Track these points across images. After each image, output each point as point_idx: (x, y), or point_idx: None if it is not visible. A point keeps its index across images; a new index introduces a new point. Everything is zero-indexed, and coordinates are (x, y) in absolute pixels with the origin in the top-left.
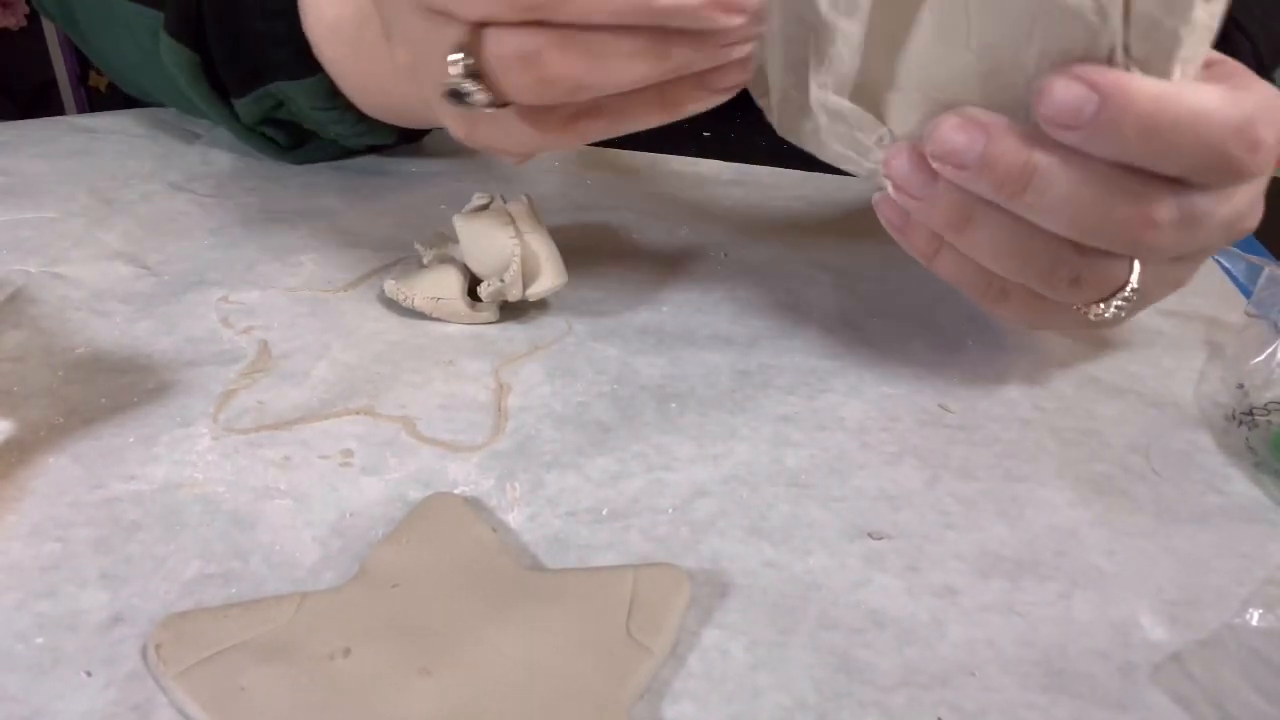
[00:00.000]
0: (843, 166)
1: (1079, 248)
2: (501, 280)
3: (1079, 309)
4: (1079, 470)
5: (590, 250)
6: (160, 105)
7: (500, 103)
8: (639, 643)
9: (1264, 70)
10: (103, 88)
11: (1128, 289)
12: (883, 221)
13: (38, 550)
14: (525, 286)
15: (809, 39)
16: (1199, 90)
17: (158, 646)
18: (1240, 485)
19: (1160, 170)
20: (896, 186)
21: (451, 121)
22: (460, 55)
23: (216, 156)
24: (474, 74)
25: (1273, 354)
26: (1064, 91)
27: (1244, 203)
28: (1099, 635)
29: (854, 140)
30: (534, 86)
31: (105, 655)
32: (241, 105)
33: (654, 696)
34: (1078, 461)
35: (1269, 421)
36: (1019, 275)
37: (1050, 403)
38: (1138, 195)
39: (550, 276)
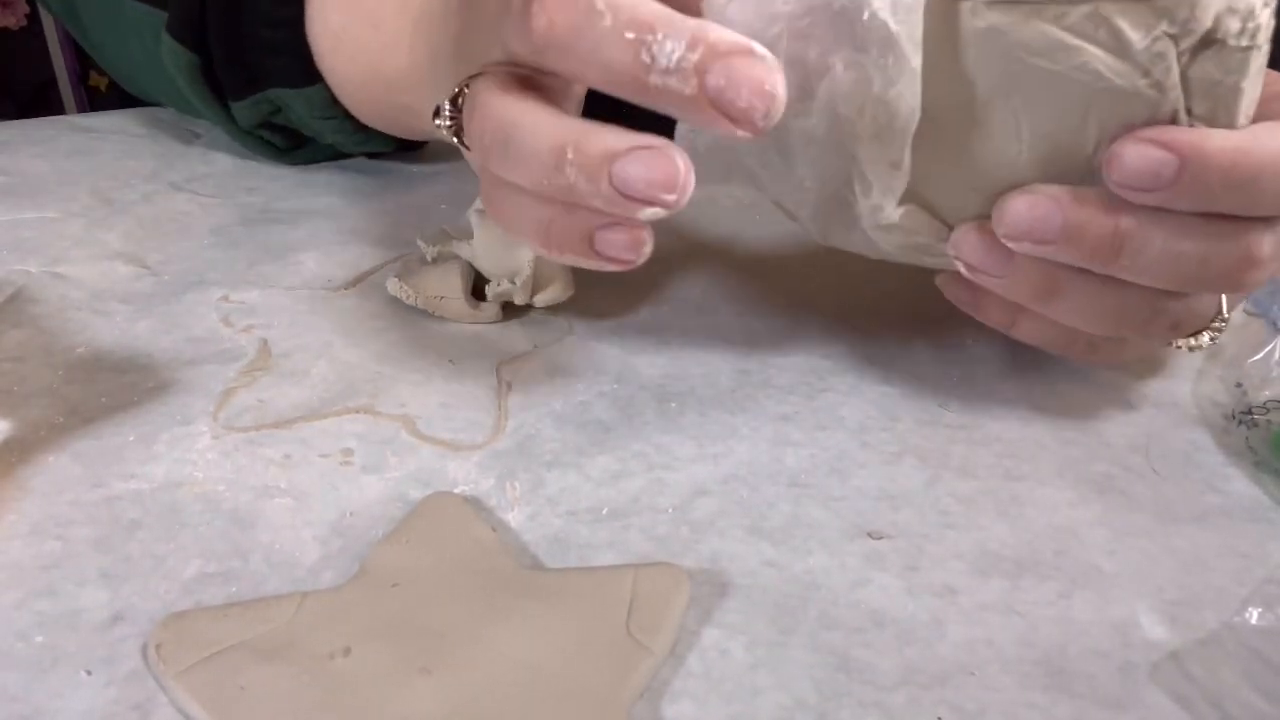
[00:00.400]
0: (900, 261)
1: (1175, 295)
2: (512, 283)
3: (1175, 344)
4: (1079, 470)
5: None
6: (161, 105)
7: (459, 137)
8: (639, 642)
9: None
10: (103, 87)
11: (1220, 319)
12: (951, 299)
13: (38, 549)
14: (533, 292)
15: (850, 168)
16: (1274, 133)
17: (158, 646)
18: (1240, 485)
19: (1251, 214)
20: (971, 268)
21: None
22: (458, 88)
23: (217, 156)
24: (455, 101)
25: (1271, 352)
26: (1138, 158)
27: None
28: (1099, 635)
29: (913, 243)
30: (472, 132)
31: (105, 654)
32: (239, 109)
33: (654, 696)
34: (1078, 461)
35: (1268, 421)
36: (1114, 331)
37: (1050, 402)
38: (1235, 237)
39: (560, 287)
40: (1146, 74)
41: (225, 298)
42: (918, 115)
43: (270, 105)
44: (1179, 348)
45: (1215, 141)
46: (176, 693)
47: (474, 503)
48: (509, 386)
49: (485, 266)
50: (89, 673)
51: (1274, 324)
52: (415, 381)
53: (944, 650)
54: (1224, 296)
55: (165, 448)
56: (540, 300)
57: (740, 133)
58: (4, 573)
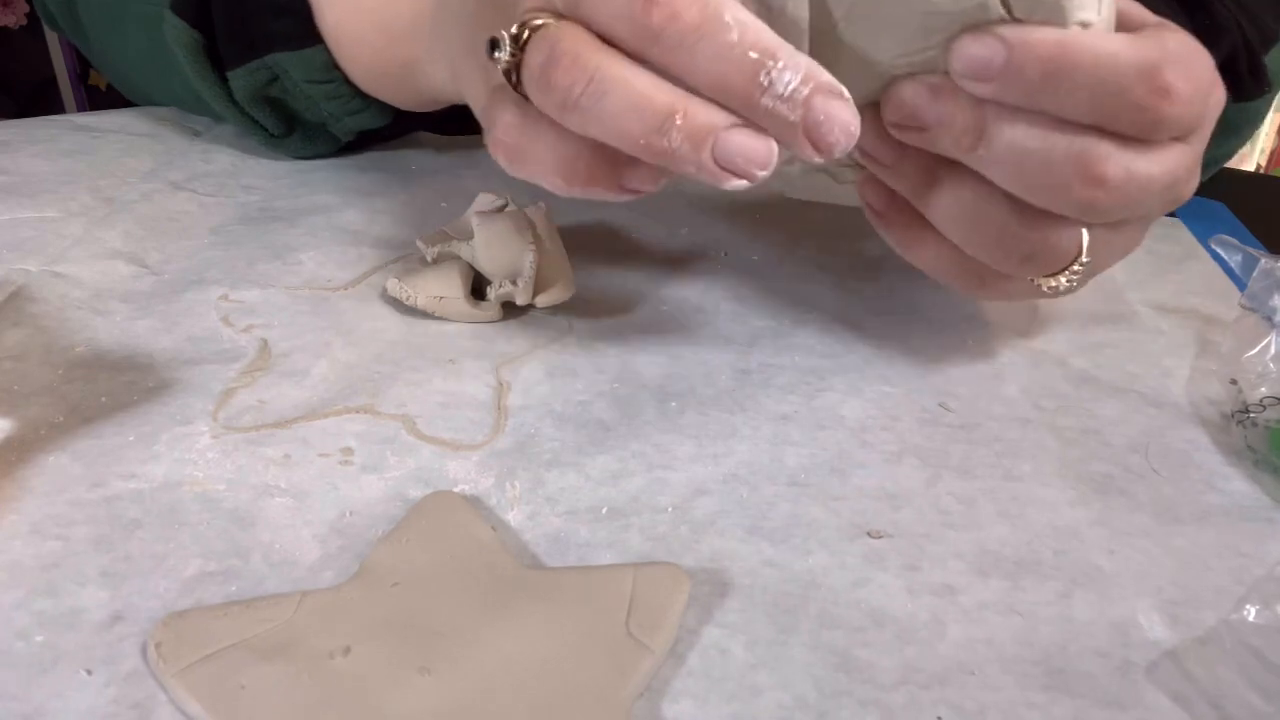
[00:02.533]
0: (825, 198)
1: (1027, 215)
2: (513, 284)
3: (1035, 282)
4: (1079, 469)
5: (590, 250)
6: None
7: (513, 77)
8: (639, 641)
9: (1256, 59)
10: (103, 86)
11: (1078, 262)
12: (866, 210)
13: (38, 548)
14: (535, 294)
15: None
16: (1105, 37)
17: (158, 645)
18: (1239, 484)
19: (1067, 114)
20: (865, 155)
21: (473, 88)
22: (529, 18)
23: (217, 155)
24: (517, 39)
25: (1266, 348)
26: (974, 45)
27: (1180, 167)
28: (1098, 634)
29: (815, 170)
30: (554, 78)
31: (105, 653)
32: (235, 78)
33: (654, 695)
34: (1078, 461)
35: (1266, 419)
36: (972, 244)
37: (1050, 402)
38: (1080, 150)
39: (561, 288)
40: None
41: (225, 297)
42: (807, 36)
43: (267, 73)
44: (1040, 286)
45: (1040, 34)
46: (176, 692)
47: (474, 502)
48: (509, 386)
49: (486, 267)
50: (89, 672)
51: (1269, 319)
52: (415, 381)
53: (944, 650)
54: (1084, 239)
55: (165, 447)
56: (542, 301)
57: (817, 159)
58: (4, 572)
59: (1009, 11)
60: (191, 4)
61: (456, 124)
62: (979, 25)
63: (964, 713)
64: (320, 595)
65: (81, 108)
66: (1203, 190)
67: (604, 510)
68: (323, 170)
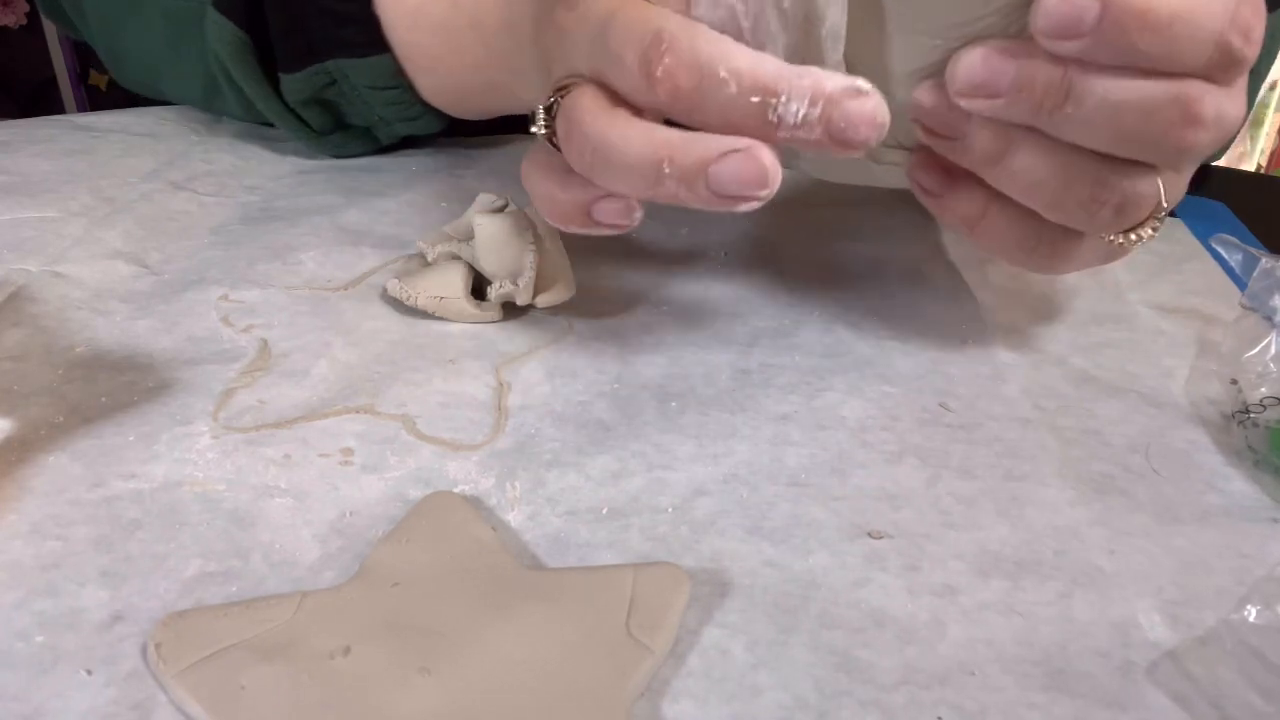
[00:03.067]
0: (863, 180)
1: (1117, 167)
2: (514, 284)
3: (1117, 240)
4: (1079, 470)
5: (590, 250)
6: (165, 103)
7: (554, 143)
8: (639, 641)
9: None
10: (103, 86)
11: (1159, 210)
12: (920, 195)
13: (38, 549)
14: (535, 294)
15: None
16: None
17: (158, 645)
18: (1240, 484)
19: (1172, 69)
20: (928, 131)
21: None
22: (551, 95)
23: (217, 155)
24: (550, 110)
25: (1266, 347)
26: (1062, 3)
27: (1244, 97)
28: (1099, 635)
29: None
30: (570, 149)
31: (105, 654)
32: (290, 81)
33: (654, 695)
34: (1078, 461)
35: (1266, 419)
36: (1059, 209)
37: (1050, 402)
38: (1178, 94)
39: (562, 289)
40: None
41: (225, 297)
42: (844, 20)
43: (326, 77)
44: (1122, 243)
45: None
46: (176, 692)
47: (474, 502)
48: (509, 386)
49: (487, 267)
50: (89, 672)
51: (1269, 319)
52: (415, 381)
53: (944, 650)
54: (1162, 190)
55: (165, 447)
56: (542, 301)
57: (856, 154)
58: (4, 573)
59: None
60: (237, 4)
61: (459, 124)
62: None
63: (964, 713)
64: (320, 595)
65: (81, 108)
66: (1203, 190)
67: (604, 510)
68: (323, 170)
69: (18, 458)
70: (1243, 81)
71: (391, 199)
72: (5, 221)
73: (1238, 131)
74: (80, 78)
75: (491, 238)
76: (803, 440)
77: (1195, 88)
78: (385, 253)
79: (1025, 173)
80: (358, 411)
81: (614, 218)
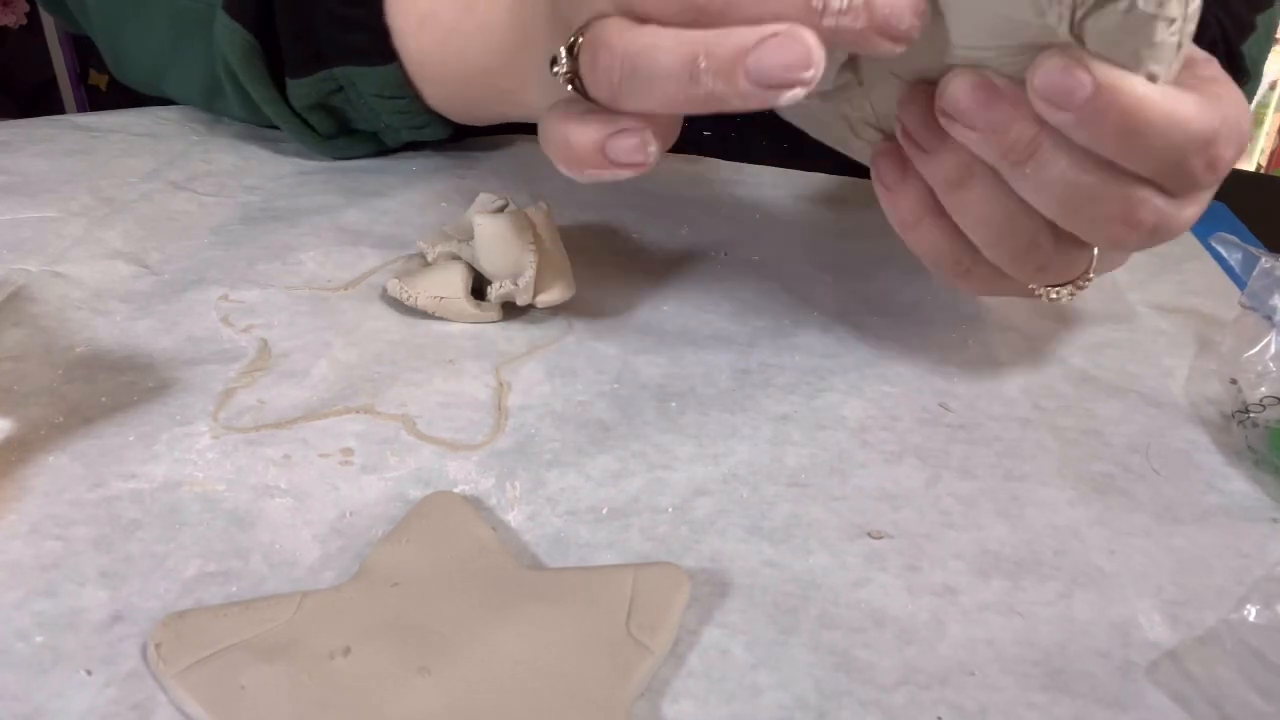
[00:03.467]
0: (836, 145)
1: (1056, 233)
2: (515, 285)
3: (1035, 290)
4: (1079, 470)
5: (590, 250)
6: (165, 103)
7: (576, 85)
8: (639, 642)
9: (1233, 48)
10: (103, 86)
11: (1084, 277)
12: (875, 180)
13: (38, 549)
14: (535, 294)
15: None
16: (1179, 99)
17: (158, 645)
18: (1240, 484)
19: (1129, 167)
20: (905, 133)
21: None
22: (563, 63)
23: (217, 155)
24: (571, 50)
25: (1266, 347)
26: (1061, 73)
27: (1202, 209)
28: (1099, 635)
29: (845, 115)
30: (597, 74)
31: (105, 654)
32: (297, 86)
33: (654, 695)
34: (1078, 461)
35: (1265, 419)
36: (994, 249)
37: (1050, 402)
38: (1126, 194)
39: (562, 288)
40: (1041, 14)
41: (225, 297)
42: None
43: (333, 84)
44: (1039, 294)
45: (1127, 82)
46: (176, 692)
47: (474, 502)
48: (509, 386)
49: (487, 268)
50: (89, 672)
51: (1269, 319)
52: (415, 381)
53: (944, 650)
54: (1094, 261)
55: (165, 447)
56: (542, 301)
57: (898, 48)
58: (4, 573)
59: (1080, 39)
60: (247, 7)
61: (466, 127)
62: (1053, 45)
63: (964, 713)
64: (320, 595)
65: (82, 108)
66: None
67: (604, 510)
68: (323, 170)
69: (18, 458)
70: (1202, 198)
71: (391, 199)
72: (5, 221)
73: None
74: (80, 78)
75: (491, 238)
76: (803, 440)
77: (1142, 192)
78: (385, 253)
79: (974, 206)
80: (358, 411)
81: (629, 154)
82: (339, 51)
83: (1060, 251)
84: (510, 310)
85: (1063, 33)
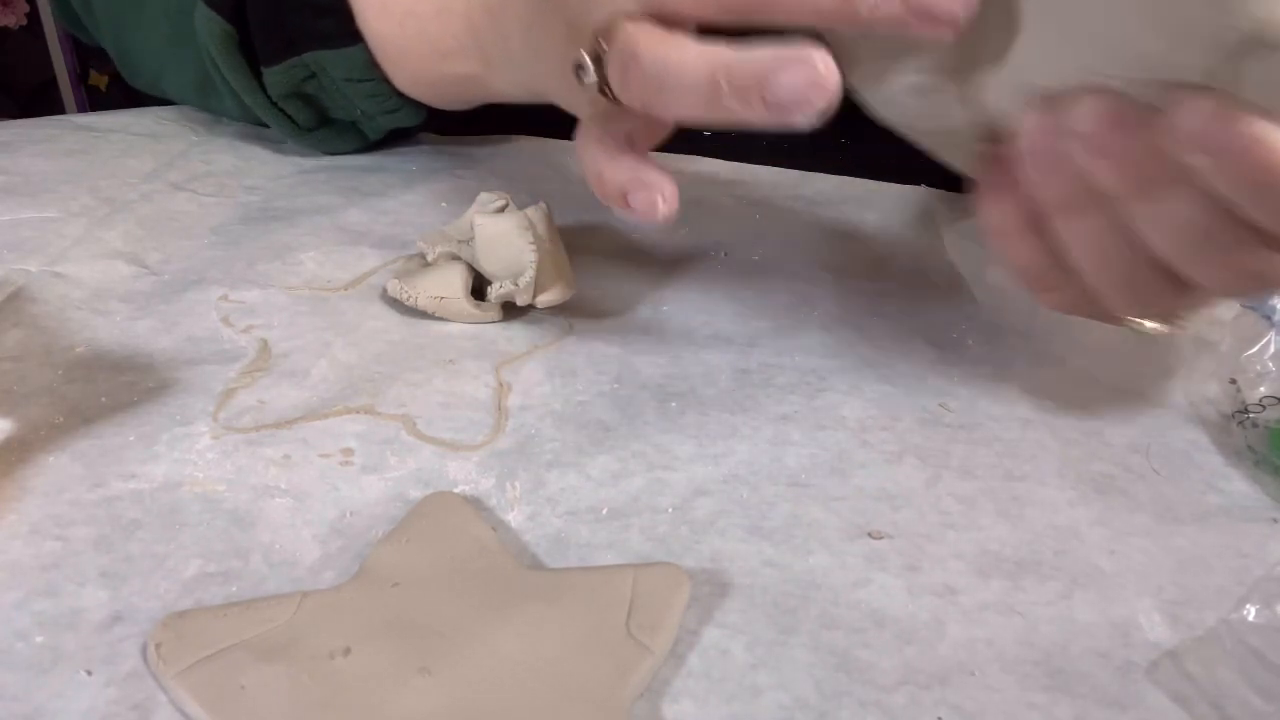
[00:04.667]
0: (928, 139)
1: (1164, 270)
2: (515, 285)
3: (1129, 320)
4: (1079, 470)
5: (590, 250)
6: (165, 103)
7: (607, 92)
8: (639, 642)
9: None
10: (103, 87)
11: (1185, 316)
12: (979, 179)
13: (38, 549)
14: (535, 294)
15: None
16: None
17: (158, 645)
18: (1240, 484)
19: (1260, 220)
20: (1029, 150)
21: (574, 99)
22: (593, 43)
23: (217, 156)
24: (597, 58)
25: (1265, 347)
26: (1214, 119)
27: None
28: (1099, 635)
29: (948, 116)
30: (629, 87)
31: (105, 654)
32: (271, 74)
33: (654, 695)
34: (1078, 461)
35: (1265, 419)
36: (1095, 276)
37: (1050, 402)
38: (1251, 245)
39: (561, 289)
40: (1201, 52)
41: (225, 297)
42: None
43: (304, 70)
44: (1130, 323)
45: (1275, 136)
46: (176, 692)
47: (474, 502)
48: (509, 386)
49: (487, 268)
50: (89, 673)
51: (1268, 318)
52: (415, 381)
53: (944, 650)
54: (1201, 303)
55: (165, 448)
56: (542, 301)
57: (946, 35)
58: (4, 573)
59: (1234, 82)
60: None
61: (459, 124)
62: (1193, 82)
63: (964, 713)
64: (320, 596)
65: (82, 108)
66: None
67: (604, 510)
68: (323, 170)
69: (18, 458)
70: None
71: (391, 199)
72: (5, 222)
73: None
74: (80, 78)
75: (492, 238)
76: (803, 440)
77: (1268, 248)
78: (385, 253)
79: (1082, 231)
80: (358, 412)
81: (643, 209)
82: (307, 36)
83: (1166, 288)
84: (510, 310)
85: (1219, 75)
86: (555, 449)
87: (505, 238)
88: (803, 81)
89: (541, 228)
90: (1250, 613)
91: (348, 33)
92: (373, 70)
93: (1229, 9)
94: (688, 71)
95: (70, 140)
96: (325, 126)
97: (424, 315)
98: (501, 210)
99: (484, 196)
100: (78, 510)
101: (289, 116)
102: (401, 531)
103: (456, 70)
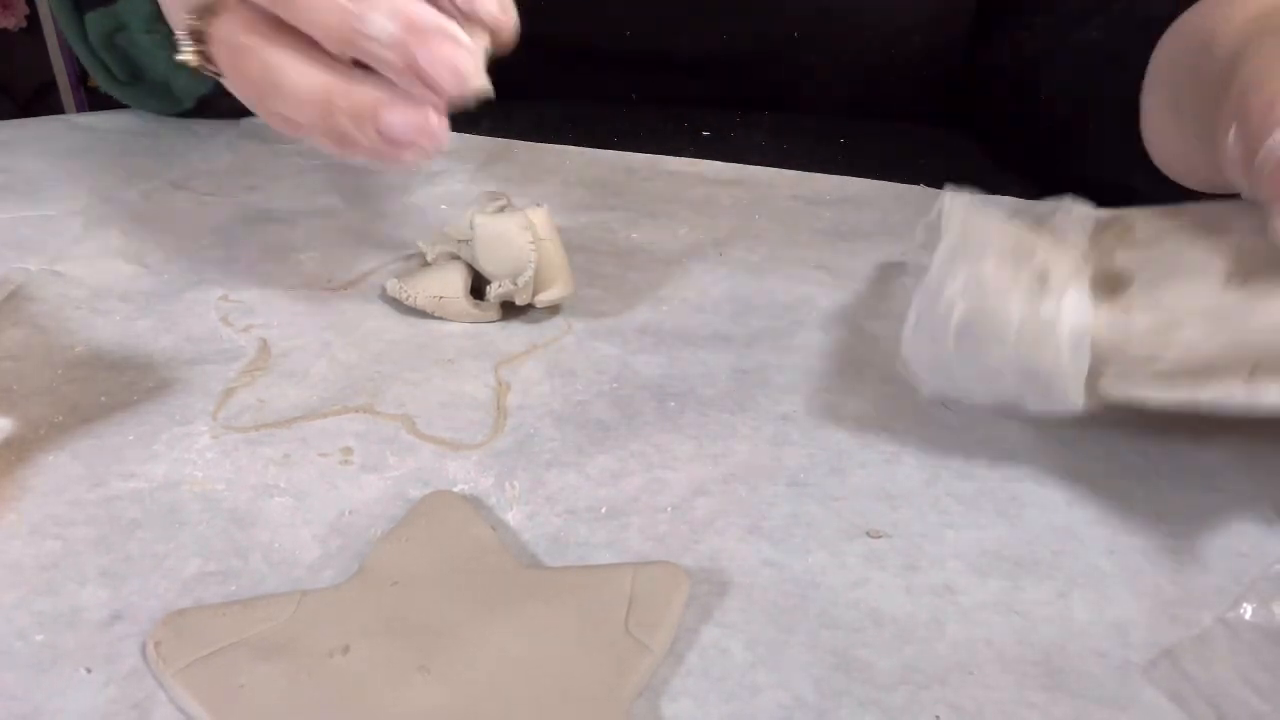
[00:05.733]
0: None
1: None
2: (514, 284)
3: None
4: (1079, 470)
5: (590, 250)
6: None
7: (208, 68)
8: (638, 641)
9: None
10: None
11: None
12: None
13: (38, 548)
14: (535, 293)
15: None
16: None
17: (157, 644)
18: (1240, 484)
19: None
20: None
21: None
22: (195, 19)
23: (217, 155)
24: (198, 37)
25: None
26: None
27: None
28: (1098, 634)
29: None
30: (236, 72)
31: (105, 653)
32: (90, 19)
33: (653, 694)
34: (1077, 461)
35: None
36: None
37: None
38: None
39: (561, 288)
40: None
41: (225, 297)
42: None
43: (114, 21)
44: None
45: None
46: (176, 691)
47: (473, 501)
48: (508, 386)
49: (486, 267)
50: (89, 671)
51: None
52: (415, 381)
53: (943, 649)
54: None
55: (165, 447)
56: (542, 300)
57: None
58: (4, 572)
59: None
60: None
61: (460, 124)
62: None
63: (963, 712)
64: (320, 595)
65: (81, 109)
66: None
67: (603, 510)
68: (323, 171)
69: (18, 457)
70: None
71: (391, 200)
72: (5, 220)
73: None
74: (80, 79)
75: (491, 238)
76: (801, 440)
77: None
78: (385, 253)
79: None
80: (357, 411)
81: (405, 133)
82: None
83: None
84: (509, 310)
85: None
86: (554, 448)
87: (505, 237)
88: (413, 123)
89: (541, 228)
90: (1247, 612)
91: None
92: (161, 23)
93: None
94: (306, 83)
95: (70, 140)
96: (140, 83)
97: (423, 315)
98: (501, 210)
99: (484, 196)
100: (77, 510)
101: (106, 67)
102: (401, 530)
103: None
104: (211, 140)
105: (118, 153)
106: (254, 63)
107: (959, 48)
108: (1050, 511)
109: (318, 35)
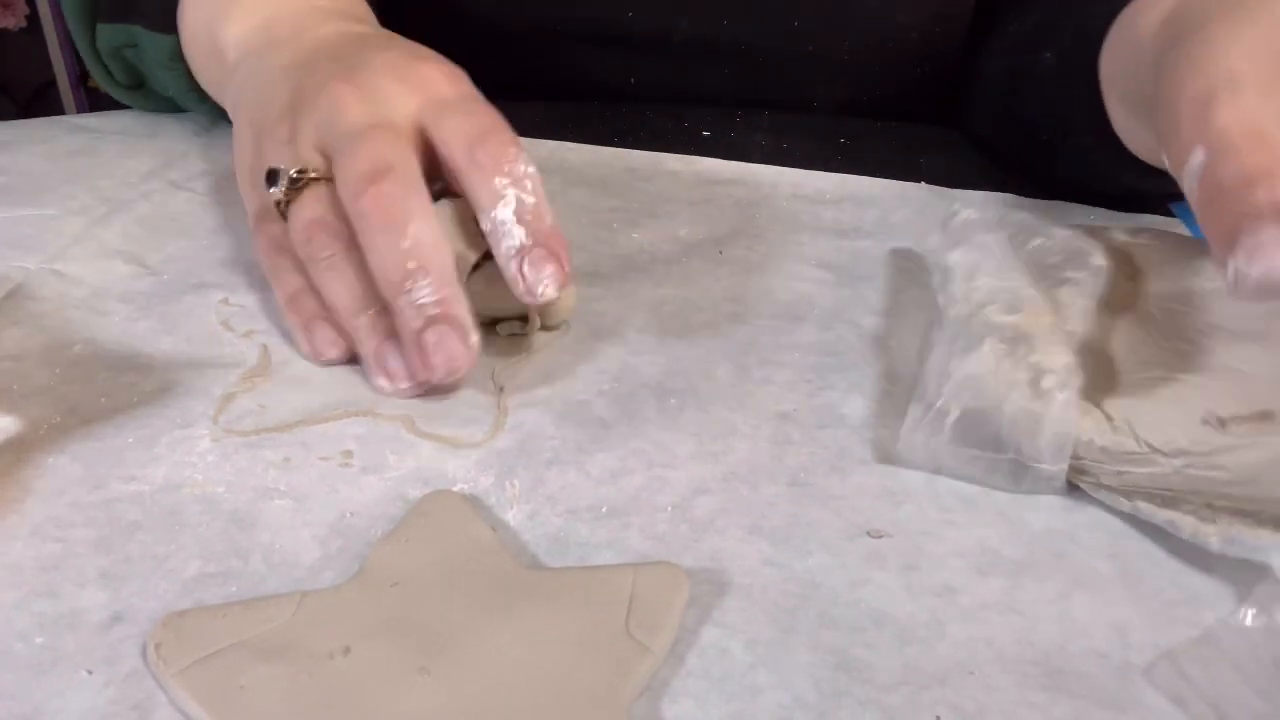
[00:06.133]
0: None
1: None
2: (522, 322)
3: None
4: None
5: (590, 250)
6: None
7: (281, 208)
8: (638, 641)
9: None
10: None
11: None
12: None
13: (38, 550)
14: (542, 322)
15: None
16: None
17: (157, 645)
18: None
19: None
20: None
21: (244, 181)
22: (282, 186)
23: (218, 156)
24: (295, 183)
25: None
26: None
27: None
28: (1098, 635)
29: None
30: (306, 239)
31: (105, 654)
32: (102, 30)
33: (653, 695)
34: None
35: None
36: None
37: None
38: None
39: (566, 309)
40: None
41: (225, 300)
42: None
43: (126, 37)
44: None
45: None
46: (176, 692)
47: (473, 501)
48: (508, 385)
49: (486, 313)
50: (89, 672)
51: None
52: None
53: (943, 649)
54: None
55: (165, 450)
56: (552, 322)
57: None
58: (4, 573)
59: None
60: None
61: None
62: None
63: (963, 713)
64: (320, 595)
65: (82, 109)
66: None
67: (604, 509)
68: None
69: (18, 458)
70: None
71: None
72: (5, 219)
73: None
74: (80, 80)
75: (490, 279)
76: (802, 439)
77: None
78: None
79: None
80: (358, 415)
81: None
82: (134, 9)
83: None
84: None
85: None
86: (555, 447)
87: (493, 282)
88: (404, 371)
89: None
90: (1248, 615)
91: (166, 20)
92: (178, 62)
93: None
94: (344, 294)
95: (70, 140)
96: (142, 90)
97: None
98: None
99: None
100: (78, 512)
101: (110, 73)
102: (401, 531)
103: (216, 74)
104: (212, 140)
105: (118, 153)
106: (329, 240)
107: (957, 47)
108: (1050, 512)
109: (373, 266)
